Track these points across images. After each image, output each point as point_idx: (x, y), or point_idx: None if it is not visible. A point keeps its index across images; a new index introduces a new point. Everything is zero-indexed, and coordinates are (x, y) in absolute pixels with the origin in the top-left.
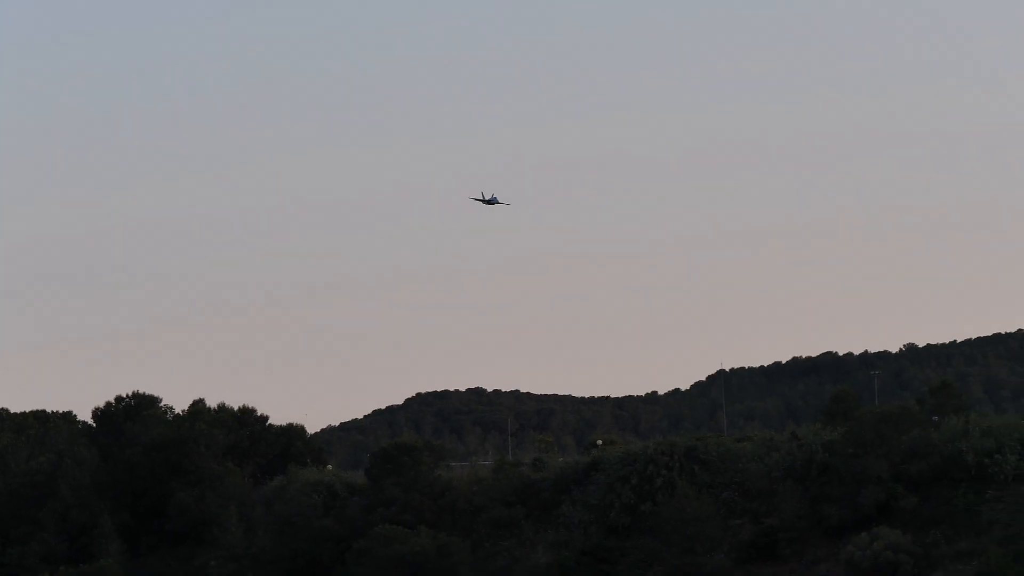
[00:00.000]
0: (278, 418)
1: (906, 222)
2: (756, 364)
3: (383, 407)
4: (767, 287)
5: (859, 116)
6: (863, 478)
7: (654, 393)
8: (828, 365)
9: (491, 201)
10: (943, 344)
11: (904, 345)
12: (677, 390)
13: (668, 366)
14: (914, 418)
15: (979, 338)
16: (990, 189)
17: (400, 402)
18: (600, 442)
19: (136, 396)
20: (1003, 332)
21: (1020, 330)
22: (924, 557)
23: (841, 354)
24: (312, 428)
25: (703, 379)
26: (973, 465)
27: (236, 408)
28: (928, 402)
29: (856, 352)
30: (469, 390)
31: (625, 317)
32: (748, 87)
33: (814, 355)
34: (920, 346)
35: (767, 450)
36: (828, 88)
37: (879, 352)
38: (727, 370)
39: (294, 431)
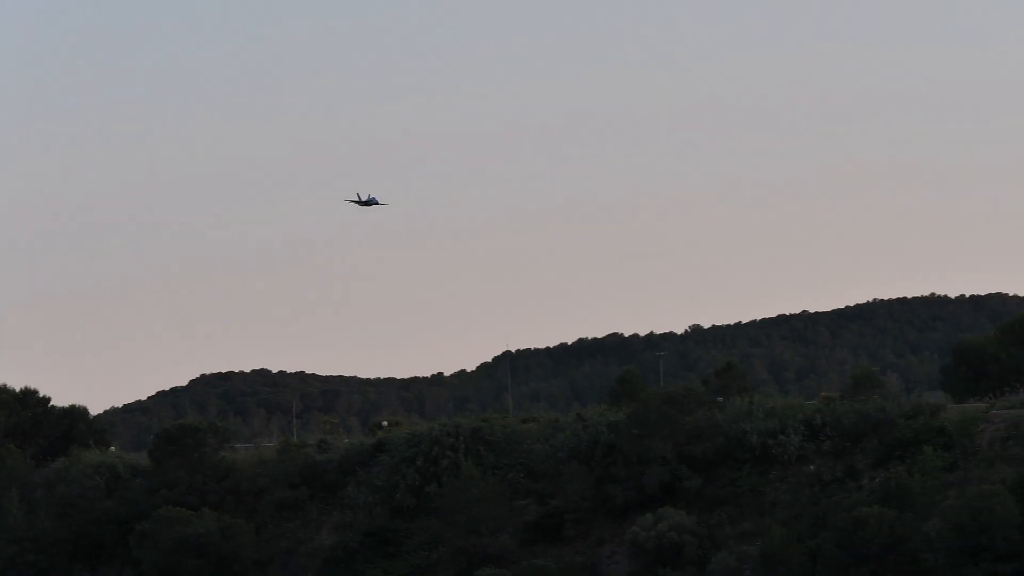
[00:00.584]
0: (61, 400)
1: (684, 205)
2: (542, 345)
3: (167, 388)
4: (552, 269)
5: (604, 102)
6: (648, 459)
7: (440, 375)
8: (614, 346)
9: (369, 202)
10: (728, 326)
11: (689, 327)
12: (463, 371)
13: (454, 348)
14: (699, 399)
15: (763, 319)
16: (764, 173)
17: (184, 383)
18: (386, 423)
19: None
20: (787, 314)
21: (804, 311)
22: (708, 537)
23: (627, 335)
24: (95, 409)
25: (489, 360)
26: (757, 446)
27: (17, 390)
28: (713, 383)
29: (642, 334)
30: (254, 371)
31: (410, 298)
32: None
33: (600, 336)
34: (705, 327)
35: (552, 431)
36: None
37: (664, 334)
38: (513, 351)
39: (77, 412)
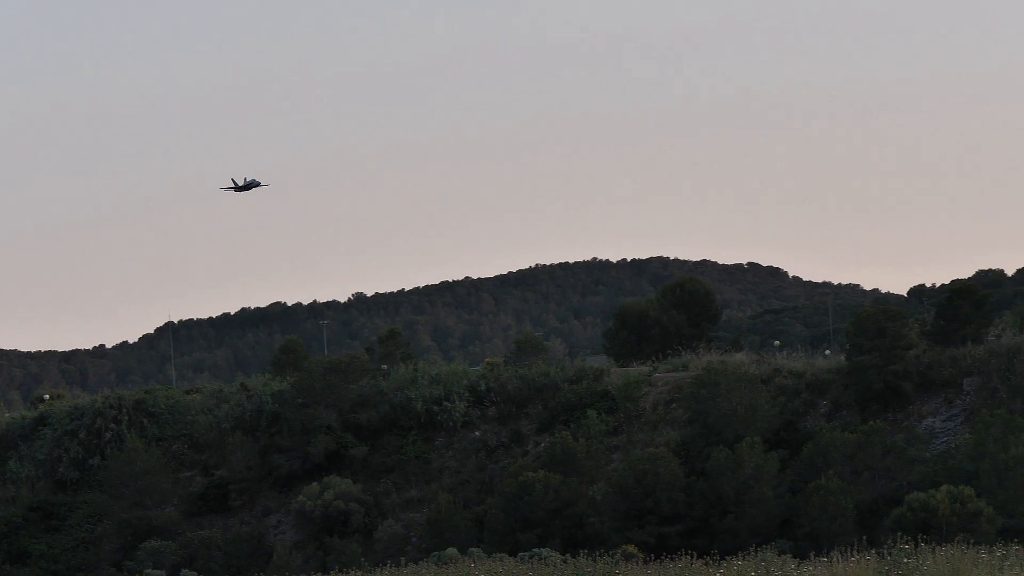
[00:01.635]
0: None
1: (341, 174)
2: (204, 316)
3: None
4: (213, 238)
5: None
6: (313, 428)
7: (102, 347)
8: (277, 315)
9: (248, 186)
10: (391, 293)
11: (352, 295)
12: (125, 343)
13: (115, 319)
14: (363, 367)
15: (426, 286)
16: (425, 139)
17: None
18: (47, 397)
19: None
20: (450, 280)
21: (467, 278)
22: (375, 505)
23: (290, 304)
24: None
25: (151, 332)
26: (422, 413)
27: None
28: (377, 351)
29: (305, 302)
30: None
31: (69, 270)
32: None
33: (263, 306)
34: (368, 295)
35: (216, 402)
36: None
37: (328, 302)
38: (175, 322)
39: None
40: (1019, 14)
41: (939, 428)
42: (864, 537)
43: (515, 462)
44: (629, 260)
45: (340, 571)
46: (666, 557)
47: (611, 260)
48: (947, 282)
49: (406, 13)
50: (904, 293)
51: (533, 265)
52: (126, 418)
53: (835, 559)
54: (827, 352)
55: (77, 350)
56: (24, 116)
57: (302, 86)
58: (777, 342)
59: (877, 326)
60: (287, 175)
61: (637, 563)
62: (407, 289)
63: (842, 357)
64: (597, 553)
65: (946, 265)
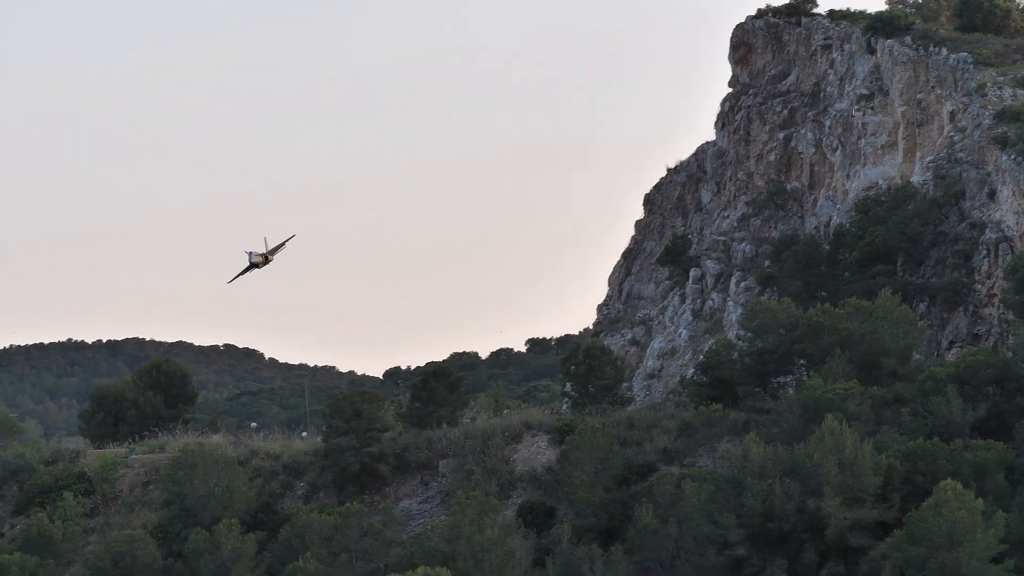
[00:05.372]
0: None
1: None
2: None
3: None
4: None
5: None
6: None
7: None
8: None
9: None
10: None
11: None
12: None
13: None
14: None
15: None
16: None
17: None
18: None
19: None
20: None
21: None
22: None
23: None
24: None
25: None
26: None
27: None
28: None
29: None
30: None
31: None
32: None
33: None
34: None
35: None
36: None
37: None
38: None
39: None
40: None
41: (416, 510)
42: None
43: None
44: (105, 341)
45: None
46: None
47: (87, 341)
48: (422, 365)
49: None
50: (380, 375)
51: (8, 345)
52: None
53: None
54: (304, 434)
55: None
56: None
57: None
58: (254, 424)
59: (353, 408)
60: None
61: None
62: None
63: (319, 439)
64: None
65: (422, 348)
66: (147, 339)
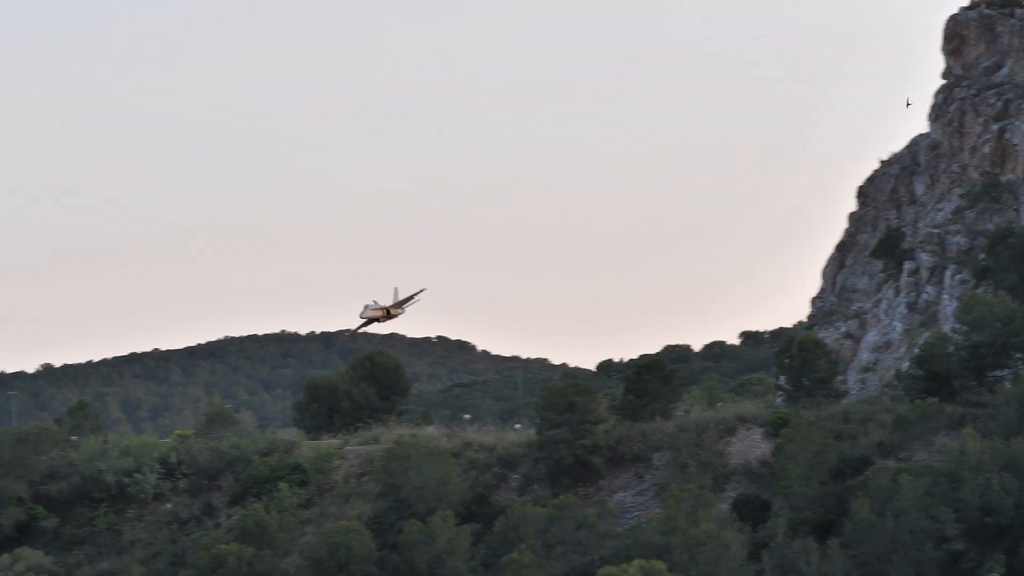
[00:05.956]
0: None
1: (66, 241)
2: None
3: None
4: None
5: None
6: (2, 499)
7: None
8: None
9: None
10: (80, 364)
11: (41, 365)
12: None
13: None
14: (53, 438)
15: (115, 358)
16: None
17: None
18: None
19: None
20: (139, 352)
21: (156, 349)
22: None
23: None
24: None
25: None
26: (113, 485)
27: None
28: (67, 422)
29: None
30: None
31: None
32: None
33: None
34: (57, 366)
35: None
36: None
37: (15, 372)
38: None
39: None
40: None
41: (630, 503)
42: None
43: (207, 535)
44: (318, 333)
45: None
46: None
47: (300, 333)
48: (635, 357)
49: None
50: (593, 368)
51: (223, 337)
52: None
53: None
54: (517, 426)
55: None
56: None
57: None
58: (467, 416)
59: (567, 400)
60: None
61: None
62: (96, 360)
63: (532, 431)
64: None
65: (635, 340)
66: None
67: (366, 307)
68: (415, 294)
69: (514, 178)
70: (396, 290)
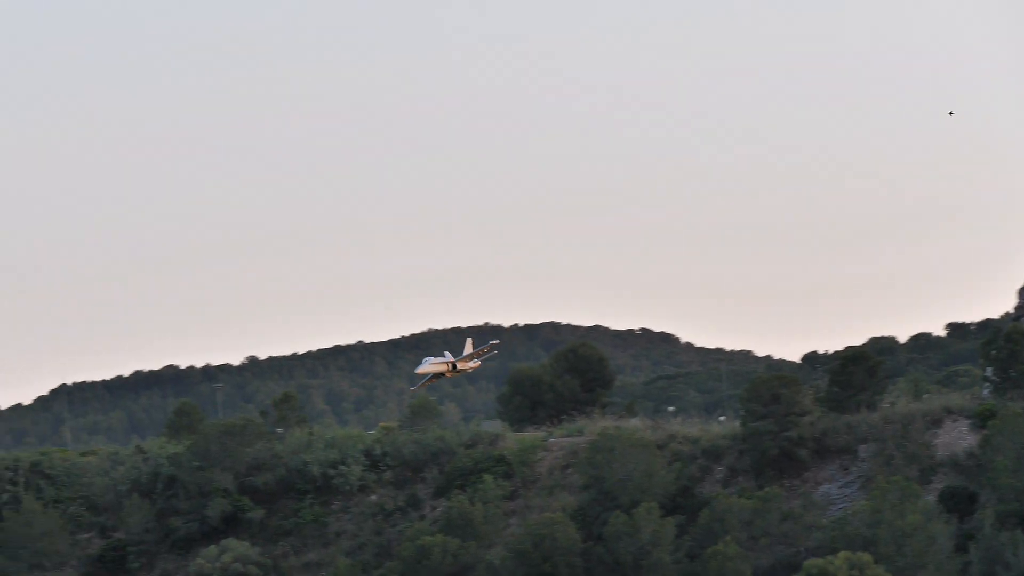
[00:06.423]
0: None
1: (234, 234)
2: (98, 378)
3: None
4: (108, 300)
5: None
6: (209, 491)
7: None
8: (170, 378)
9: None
10: (285, 357)
11: (246, 358)
12: (19, 405)
13: (8, 380)
14: (258, 431)
15: (320, 350)
16: (316, 213)
17: None
18: None
19: None
20: (343, 344)
21: (360, 342)
22: (274, 568)
23: (183, 367)
24: None
25: (45, 393)
26: (318, 476)
27: None
28: (271, 414)
29: (198, 365)
30: None
31: None
32: None
33: (156, 368)
34: (262, 359)
35: (112, 464)
36: None
37: (221, 365)
38: (69, 384)
39: None
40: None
41: (835, 494)
42: None
43: (412, 526)
44: (521, 325)
45: None
46: None
47: (503, 325)
48: (840, 349)
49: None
50: (797, 360)
51: (426, 329)
52: (23, 480)
53: None
54: (722, 418)
55: None
56: None
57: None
58: (672, 408)
59: (772, 392)
60: (178, 238)
61: None
62: (300, 353)
63: (737, 423)
64: None
65: (840, 332)
66: (563, 323)
67: (425, 361)
68: (487, 347)
69: (726, 171)
70: (470, 341)
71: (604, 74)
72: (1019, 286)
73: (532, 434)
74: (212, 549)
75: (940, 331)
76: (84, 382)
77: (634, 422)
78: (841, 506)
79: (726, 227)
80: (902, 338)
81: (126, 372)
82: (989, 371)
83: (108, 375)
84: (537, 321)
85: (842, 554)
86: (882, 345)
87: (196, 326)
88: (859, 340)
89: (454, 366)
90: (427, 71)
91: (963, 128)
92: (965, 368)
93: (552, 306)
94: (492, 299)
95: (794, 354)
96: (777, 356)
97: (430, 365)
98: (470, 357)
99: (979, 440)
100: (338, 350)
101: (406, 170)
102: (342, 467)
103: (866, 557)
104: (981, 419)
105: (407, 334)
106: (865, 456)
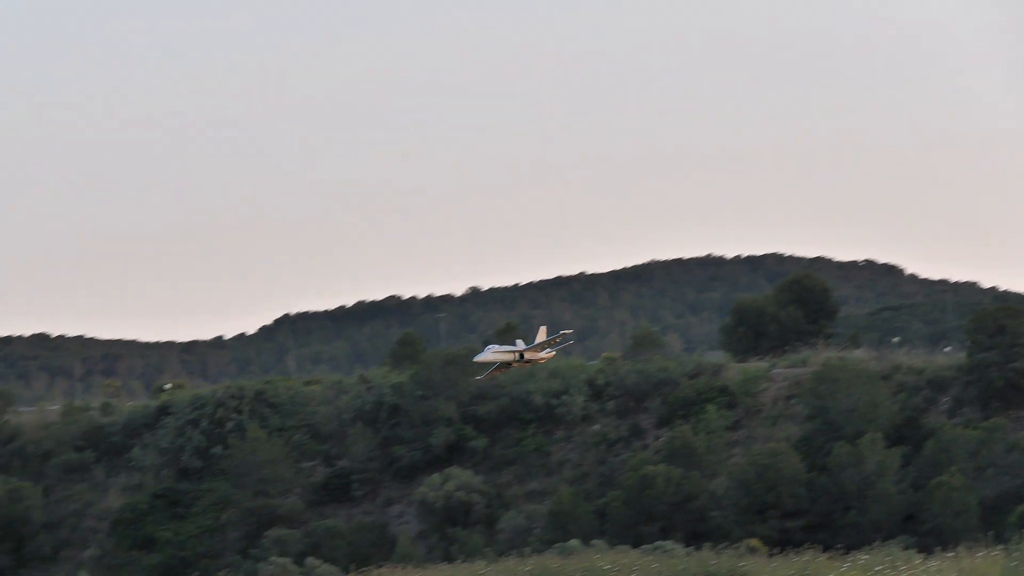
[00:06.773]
0: None
1: (454, 166)
2: (321, 308)
3: None
4: (329, 230)
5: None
6: (433, 420)
7: (220, 338)
8: (393, 308)
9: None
10: (507, 287)
11: (468, 288)
12: (243, 335)
13: (233, 311)
14: None
15: (542, 281)
16: (539, 139)
17: None
18: (169, 386)
19: None
20: (565, 275)
21: (582, 273)
22: (497, 497)
23: (406, 298)
24: None
25: (269, 323)
26: (541, 406)
27: None
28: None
29: (420, 296)
30: (34, 335)
31: (188, 262)
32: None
33: (379, 299)
34: (484, 289)
35: (336, 393)
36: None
37: (444, 295)
38: (292, 314)
39: None
40: None
41: None
42: (990, 533)
43: (635, 456)
44: (744, 256)
45: (464, 561)
46: (790, 551)
47: (726, 256)
48: None
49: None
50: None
51: (648, 261)
52: (248, 408)
53: (961, 555)
54: (947, 349)
55: (196, 341)
56: (145, 114)
57: (417, 89)
58: (896, 339)
59: (998, 324)
60: (402, 172)
61: (761, 557)
62: (522, 284)
63: (962, 354)
64: (720, 546)
65: None
66: (786, 254)
67: (488, 349)
68: (559, 336)
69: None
70: (543, 329)
71: None
72: None
73: (755, 364)
74: (435, 477)
75: None
76: (307, 312)
77: (858, 353)
78: None
79: (951, 157)
80: None
81: (349, 302)
82: None
83: (331, 305)
84: (760, 252)
85: None
86: None
87: (419, 257)
88: None
89: (522, 356)
90: None
91: None
92: None
93: (775, 237)
94: (714, 231)
95: (1021, 285)
96: (1004, 287)
97: (492, 354)
98: (541, 347)
99: None
100: (560, 281)
101: (630, 103)
102: (565, 397)
103: None
104: None
105: (629, 265)
106: None
